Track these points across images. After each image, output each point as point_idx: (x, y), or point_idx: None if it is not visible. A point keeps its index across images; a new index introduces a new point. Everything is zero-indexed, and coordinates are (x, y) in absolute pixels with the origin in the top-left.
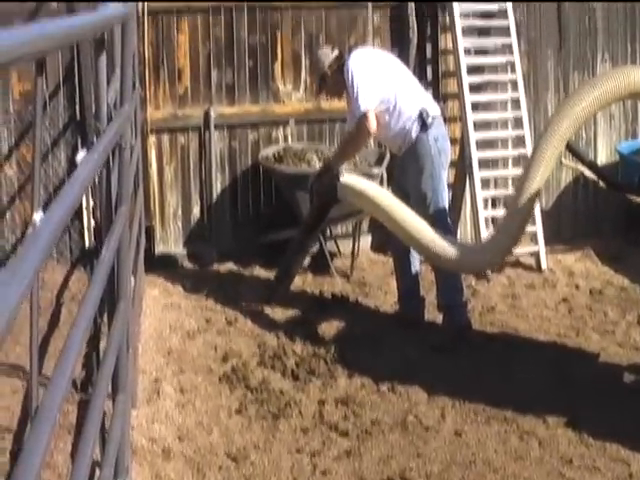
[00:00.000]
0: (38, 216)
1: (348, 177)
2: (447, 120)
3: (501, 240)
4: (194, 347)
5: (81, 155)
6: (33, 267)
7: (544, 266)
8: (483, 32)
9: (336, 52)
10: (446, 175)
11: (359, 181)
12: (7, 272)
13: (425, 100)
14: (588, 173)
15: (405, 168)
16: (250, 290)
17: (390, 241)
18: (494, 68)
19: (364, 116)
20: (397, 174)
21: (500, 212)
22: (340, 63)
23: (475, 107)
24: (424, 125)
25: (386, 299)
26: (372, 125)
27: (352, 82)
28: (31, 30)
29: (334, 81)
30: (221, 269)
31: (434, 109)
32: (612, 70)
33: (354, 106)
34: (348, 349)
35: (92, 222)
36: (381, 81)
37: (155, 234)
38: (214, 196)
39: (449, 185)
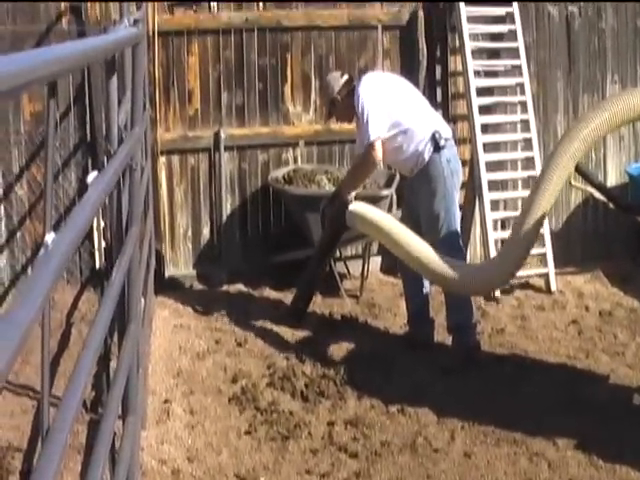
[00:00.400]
0: (50, 237)
1: (356, 205)
2: (457, 142)
3: (507, 259)
4: (204, 368)
5: (92, 176)
6: (45, 289)
7: (553, 288)
8: (492, 54)
9: (346, 77)
10: (458, 197)
11: (366, 209)
12: (19, 294)
13: (437, 122)
14: (597, 195)
15: (416, 189)
16: (260, 311)
17: (400, 262)
18: (503, 90)
19: (371, 146)
20: (407, 195)
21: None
22: (350, 88)
23: (485, 129)
24: (437, 146)
25: (395, 320)
26: (378, 155)
27: (362, 109)
28: (43, 54)
29: (344, 106)
30: (231, 290)
31: (446, 131)
32: (621, 92)
33: (363, 134)
34: (357, 370)
35: (102, 243)
36: (392, 105)
37: (165, 255)
38: (224, 217)
39: (459, 207)
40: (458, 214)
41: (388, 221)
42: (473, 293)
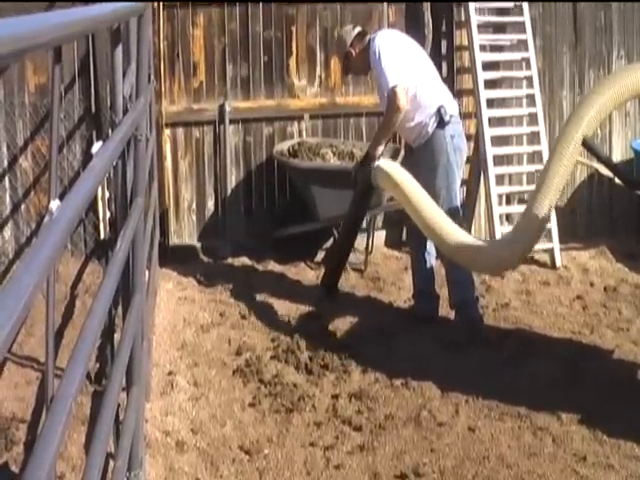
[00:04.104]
0: (55, 204)
1: (382, 162)
2: (462, 116)
3: (521, 236)
4: (208, 340)
5: (97, 146)
6: (49, 256)
7: (558, 263)
8: (498, 28)
9: (358, 29)
10: (461, 174)
11: (392, 167)
12: (24, 259)
13: (445, 97)
14: (603, 170)
15: (418, 162)
16: (264, 284)
17: (410, 236)
18: (509, 64)
19: (392, 92)
20: (415, 164)
21: (514, 208)
22: (364, 40)
23: (490, 103)
24: (441, 121)
25: (400, 294)
26: (401, 100)
27: (379, 58)
28: (49, 18)
29: (360, 58)
30: (235, 263)
31: (452, 107)
32: (633, 65)
33: (382, 82)
34: (362, 344)
35: (107, 213)
36: (407, 64)
37: (169, 228)
38: (228, 190)
39: (464, 181)
40: (459, 191)
41: (410, 183)
42: (484, 271)
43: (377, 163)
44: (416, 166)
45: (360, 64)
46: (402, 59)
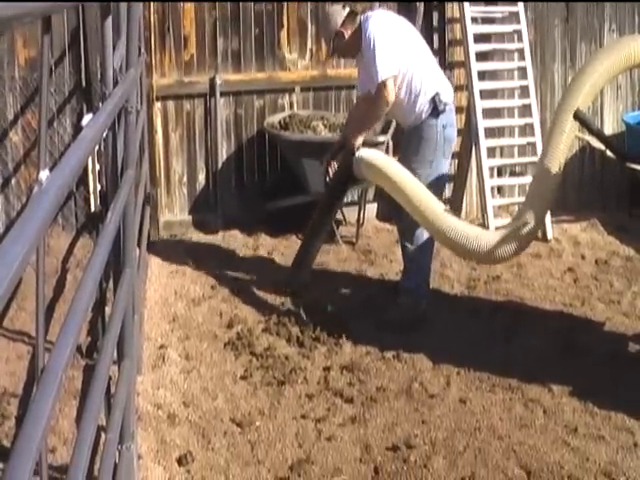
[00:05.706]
0: (44, 174)
1: (364, 151)
2: (454, 89)
3: (526, 224)
4: (199, 314)
5: (87, 118)
6: (39, 226)
7: (550, 236)
8: (490, 0)
9: (348, 9)
10: (448, 164)
11: (376, 155)
12: (14, 229)
13: (440, 84)
14: (595, 143)
15: (409, 143)
16: (255, 257)
17: (394, 213)
18: (501, 36)
19: (382, 85)
20: (403, 145)
21: (506, 181)
22: (356, 21)
23: (481, 76)
24: (435, 110)
25: (391, 267)
26: (390, 95)
27: (373, 45)
28: None
29: (351, 41)
30: (226, 236)
31: (447, 94)
32: (626, 37)
33: (373, 72)
34: (353, 316)
35: (98, 186)
36: (402, 51)
37: (160, 201)
38: (220, 163)
39: (455, 154)
40: (442, 181)
41: (399, 171)
42: (480, 261)
43: (357, 155)
44: (408, 144)
45: (350, 46)
46: (397, 45)
